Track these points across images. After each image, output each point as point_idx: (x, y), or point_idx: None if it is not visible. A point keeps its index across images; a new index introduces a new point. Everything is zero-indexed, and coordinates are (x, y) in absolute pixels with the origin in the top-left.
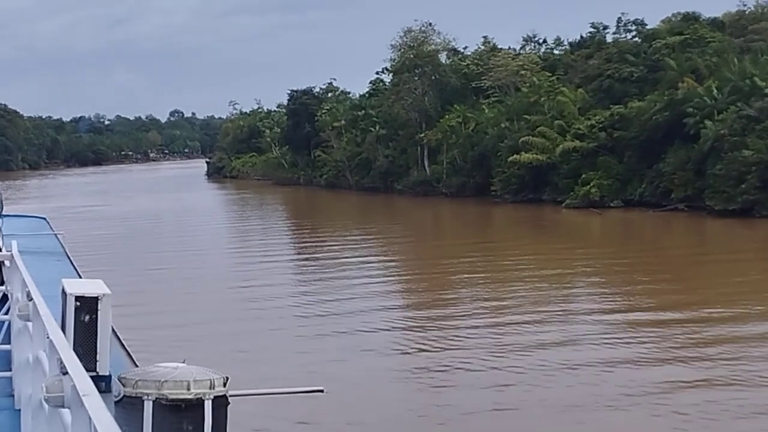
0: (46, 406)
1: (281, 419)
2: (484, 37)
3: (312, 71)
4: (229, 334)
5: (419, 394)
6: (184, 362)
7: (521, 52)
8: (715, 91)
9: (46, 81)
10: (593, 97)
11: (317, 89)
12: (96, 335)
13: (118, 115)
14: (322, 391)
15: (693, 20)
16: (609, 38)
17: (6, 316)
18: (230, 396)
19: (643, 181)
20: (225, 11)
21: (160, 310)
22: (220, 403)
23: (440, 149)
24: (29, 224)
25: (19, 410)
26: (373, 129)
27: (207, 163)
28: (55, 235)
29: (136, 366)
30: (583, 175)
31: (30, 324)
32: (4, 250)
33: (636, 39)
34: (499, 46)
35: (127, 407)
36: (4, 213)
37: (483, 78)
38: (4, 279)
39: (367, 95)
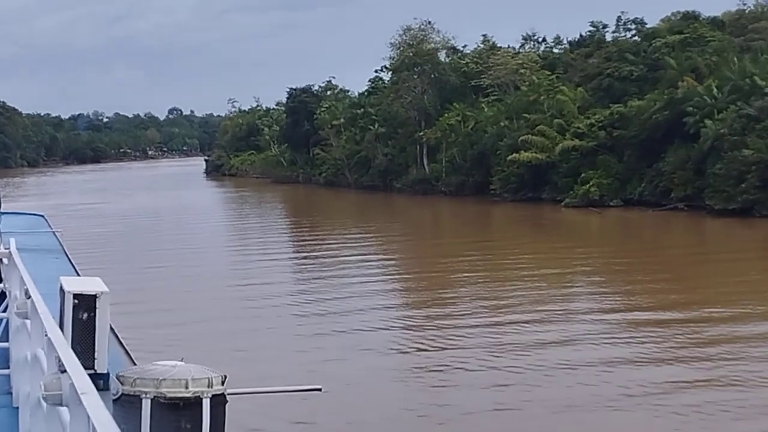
0: (44, 404)
1: (279, 419)
2: (484, 35)
3: (311, 69)
4: (227, 333)
5: (419, 393)
6: (182, 360)
7: (520, 50)
8: (715, 90)
9: (44, 78)
10: (593, 95)
11: (316, 87)
12: (94, 333)
13: (116, 113)
14: (320, 389)
15: (693, 19)
16: (608, 37)
17: (4, 314)
18: (228, 394)
19: (642, 180)
20: (224, 9)
21: (159, 308)
22: (219, 402)
23: (439, 148)
24: (27, 222)
25: (17, 408)
26: (372, 127)
27: (206, 160)
28: (54, 232)
29: (134, 364)
30: (583, 174)
31: (28, 322)
32: (2, 247)
33: (636, 38)
34: (499, 45)
35: (125, 405)
36: (2, 210)
37: (482, 76)
38: (2, 276)
39: (366, 93)
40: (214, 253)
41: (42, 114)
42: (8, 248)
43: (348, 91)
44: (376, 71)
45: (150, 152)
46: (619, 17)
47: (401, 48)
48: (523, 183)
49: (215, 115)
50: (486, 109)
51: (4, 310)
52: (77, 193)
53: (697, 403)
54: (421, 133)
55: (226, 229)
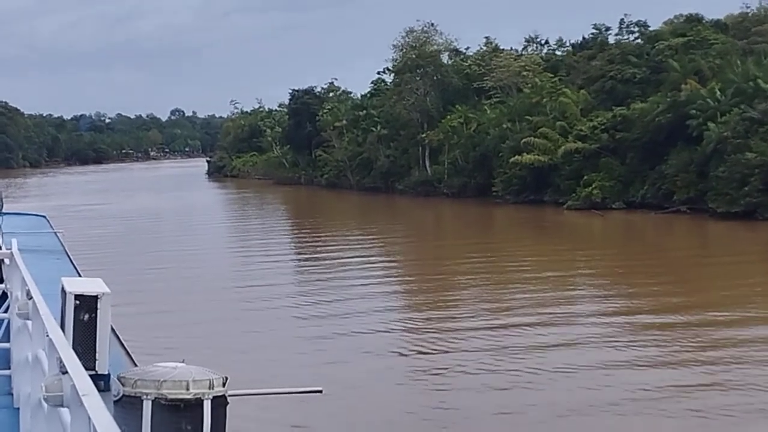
0: (45, 405)
1: (280, 421)
2: (486, 37)
3: (313, 71)
4: (228, 334)
5: (421, 396)
6: (183, 362)
7: (523, 52)
8: (718, 93)
9: (47, 79)
10: (595, 98)
11: (319, 89)
12: (95, 334)
13: (119, 114)
14: (320, 391)
15: (696, 22)
16: (611, 39)
17: (5, 315)
18: (229, 396)
19: (645, 182)
20: (226, 11)
21: (160, 309)
22: (219, 403)
23: (442, 149)
24: (29, 222)
25: (18, 409)
26: (374, 129)
27: (208, 162)
28: (55, 233)
29: (135, 365)
30: (585, 177)
31: (29, 322)
32: (3, 248)
33: (638, 40)
34: (501, 47)
35: (126, 407)
36: (4, 211)
37: (485, 78)
38: (4, 277)
39: (368, 95)
40: (216, 254)
41: (44, 114)
42: (10, 249)
43: (350, 92)
44: (378, 73)
45: (152, 153)
46: (622, 20)
47: (404, 50)
48: (526, 185)
49: (217, 116)
50: (488, 111)
51: (6, 311)
52: (79, 194)
53: (701, 408)
54: (424, 135)
55: (227, 230)
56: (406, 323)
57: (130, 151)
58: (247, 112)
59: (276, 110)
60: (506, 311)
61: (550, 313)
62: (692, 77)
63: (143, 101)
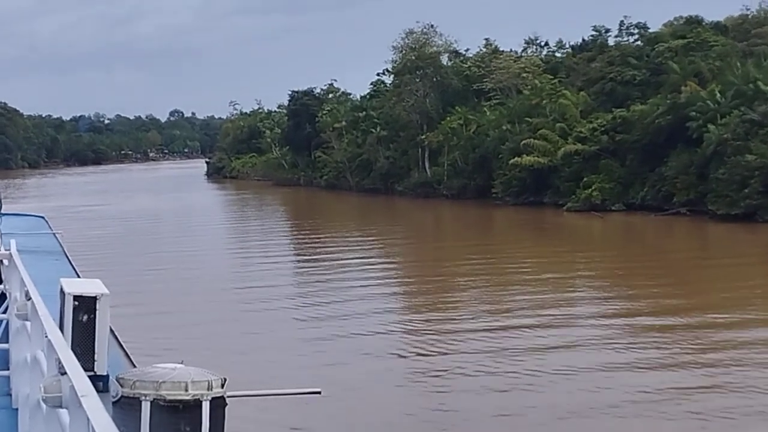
0: (43, 405)
1: (279, 422)
2: (486, 39)
3: (313, 72)
4: (227, 336)
5: (420, 398)
6: (182, 363)
7: (523, 54)
8: (718, 95)
9: (46, 79)
10: (595, 100)
11: (318, 90)
12: (94, 335)
13: (118, 115)
14: (319, 392)
15: (696, 24)
16: (611, 41)
17: (4, 315)
18: (228, 397)
19: (645, 184)
20: (226, 12)
21: (159, 310)
22: (218, 405)
23: (441, 151)
24: (28, 223)
25: (17, 409)
26: (374, 130)
27: (207, 163)
28: (54, 234)
29: (134, 366)
30: (585, 179)
31: (28, 323)
32: (2, 249)
33: (638, 42)
34: (501, 49)
35: (124, 408)
36: (2, 212)
37: (484, 80)
38: (3, 278)
39: (368, 96)
40: (215, 255)
41: (43, 115)
42: (8, 249)
43: (350, 93)
44: (378, 74)
45: (151, 154)
46: (622, 21)
47: (403, 51)
48: (525, 187)
49: (216, 117)
50: (488, 113)
51: (4, 312)
52: (78, 195)
53: (701, 410)
54: (423, 137)
55: (227, 231)
56: (406, 325)
57: (129, 152)
58: (246, 113)
59: (275, 111)
60: (506, 313)
61: (550, 315)
62: (692, 79)
63: (142, 102)
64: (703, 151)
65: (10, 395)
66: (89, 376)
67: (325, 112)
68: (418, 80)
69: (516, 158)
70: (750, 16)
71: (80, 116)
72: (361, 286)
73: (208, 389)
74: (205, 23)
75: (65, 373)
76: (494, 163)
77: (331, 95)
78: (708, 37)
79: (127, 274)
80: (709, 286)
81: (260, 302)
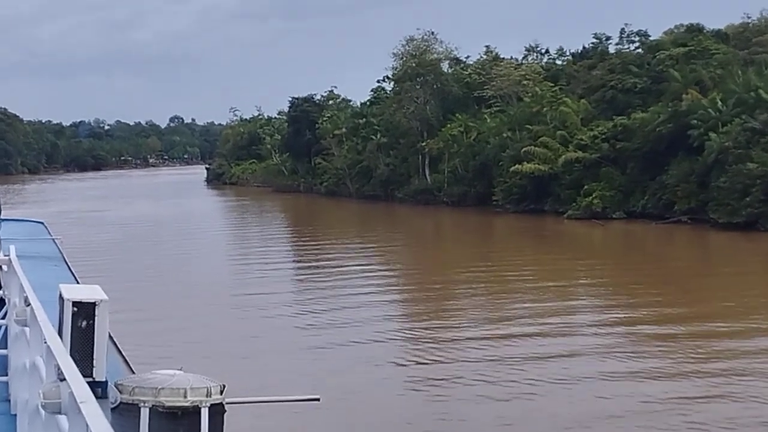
0: (42, 412)
1: (277, 430)
2: (487, 46)
3: (313, 79)
4: (226, 342)
5: (420, 406)
6: (181, 369)
7: (523, 61)
8: (719, 103)
9: (46, 85)
10: (596, 107)
11: (318, 97)
12: (93, 341)
13: (117, 121)
14: (318, 399)
15: (697, 32)
16: (612, 49)
17: (3, 321)
18: (227, 404)
19: (645, 192)
20: (226, 18)
21: (158, 316)
22: (217, 411)
23: (441, 158)
24: (27, 229)
25: (15, 415)
26: (374, 137)
27: (207, 169)
28: (53, 240)
29: (133, 372)
30: (586, 186)
31: (27, 329)
32: (1, 254)
33: (639, 50)
34: (502, 56)
35: (123, 414)
36: (2, 217)
37: (485, 87)
38: (2, 284)
39: (368, 103)
40: (215, 262)
41: (43, 121)
42: (8, 255)
43: (350, 100)
44: (378, 81)
45: (151, 160)
46: (623, 29)
47: (404, 58)
48: (526, 194)
49: (216, 123)
50: (488, 120)
51: (3, 317)
52: (78, 201)
53: (705, 420)
54: (423, 144)
55: (226, 238)
56: (405, 332)
57: (129, 158)
58: (246, 119)
59: (275, 118)
60: (506, 321)
61: (551, 323)
62: (693, 87)
63: (142, 108)
64: (704, 160)
65: (9, 401)
66: (88, 382)
67: (325, 118)
68: (418, 87)
69: (516, 166)
70: (751, 25)
71: (80, 122)
72: (360, 293)
73: (207, 396)
74: (205, 29)
75: (64, 379)
76: (495, 171)
77: (331, 102)
78: (709, 45)
79: (127, 281)
80: (710, 294)
81: (259, 309)
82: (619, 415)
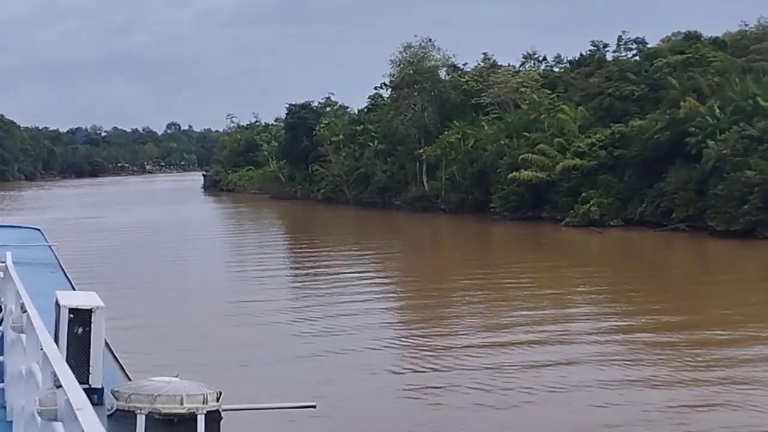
0: (38, 418)
1: None
2: (484, 53)
3: (310, 85)
4: (223, 349)
5: (416, 414)
6: (177, 376)
7: (521, 69)
8: (717, 110)
9: (43, 91)
10: (593, 115)
11: (315, 103)
12: (89, 348)
13: (114, 127)
14: (314, 406)
15: (694, 39)
16: (609, 56)
17: None
18: (223, 411)
19: (643, 200)
20: (225, 23)
21: (154, 323)
22: (213, 418)
23: (439, 165)
24: (23, 235)
25: (11, 422)
26: (371, 144)
27: (203, 176)
28: (50, 246)
29: (129, 379)
30: (583, 194)
31: (23, 336)
32: None
33: (636, 58)
34: (499, 63)
35: (119, 421)
36: None
37: (482, 94)
38: None
39: (365, 110)
40: (212, 269)
41: (40, 127)
42: (4, 262)
43: (347, 107)
44: (375, 88)
45: (148, 167)
46: (620, 37)
47: (401, 65)
48: (523, 201)
49: (213, 130)
50: (486, 127)
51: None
52: (74, 207)
53: (702, 429)
54: (421, 151)
55: (223, 245)
56: (402, 340)
57: (126, 165)
58: (243, 126)
59: (272, 124)
60: (504, 329)
61: (549, 331)
62: (691, 95)
63: (139, 115)
64: (702, 167)
65: (5, 408)
66: (84, 389)
67: (322, 125)
68: (416, 94)
69: (514, 173)
70: (748, 32)
71: (77, 128)
72: (357, 300)
73: (203, 403)
74: (203, 34)
75: (60, 385)
76: (492, 178)
77: (328, 108)
78: (707, 52)
79: (123, 287)
80: (708, 302)
81: (256, 316)
82: (617, 424)
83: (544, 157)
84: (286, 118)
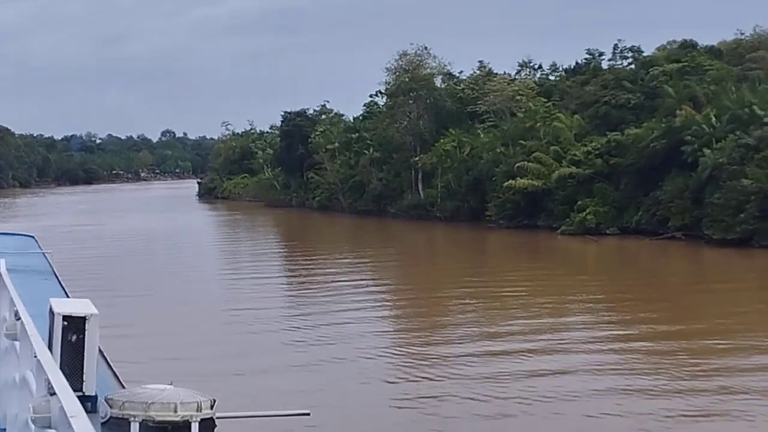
0: (32, 426)
1: None
2: (480, 61)
3: (306, 93)
4: (217, 357)
5: (411, 423)
6: (171, 384)
7: (517, 77)
8: (713, 119)
9: (38, 99)
10: (589, 123)
11: (311, 111)
12: (83, 355)
13: (109, 134)
14: (308, 414)
15: (690, 48)
16: (605, 65)
17: None
18: (217, 418)
19: (639, 208)
20: (220, 31)
21: (148, 331)
22: (207, 426)
23: (435, 173)
24: (17, 242)
25: (5, 429)
26: (367, 152)
27: (198, 183)
28: (44, 253)
29: (123, 387)
30: (579, 202)
31: (17, 343)
32: None
33: (632, 66)
34: (495, 71)
35: (113, 429)
36: None
37: (478, 102)
38: None
39: (361, 118)
40: (206, 277)
41: (35, 135)
42: None
43: (343, 115)
44: (371, 96)
45: (142, 174)
46: (616, 45)
47: (397, 73)
48: (519, 210)
49: (208, 137)
50: (482, 135)
51: None
52: (69, 215)
53: None
54: (417, 159)
55: (218, 253)
56: (397, 349)
57: (121, 172)
58: (238, 133)
59: (268, 132)
60: (499, 337)
61: (544, 340)
62: (687, 103)
63: (134, 122)
64: (698, 176)
65: None
66: (78, 397)
67: (317, 133)
68: (411, 102)
69: (510, 181)
70: (744, 41)
71: (72, 136)
72: (352, 308)
73: (197, 410)
74: (198, 43)
75: (54, 393)
76: (488, 186)
77: (323, 116)
78: (703, 61)
79: (118, 295)
80: (705, 311)
81: (251, 324)
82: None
83: (539, 165)
84: (281, 125)
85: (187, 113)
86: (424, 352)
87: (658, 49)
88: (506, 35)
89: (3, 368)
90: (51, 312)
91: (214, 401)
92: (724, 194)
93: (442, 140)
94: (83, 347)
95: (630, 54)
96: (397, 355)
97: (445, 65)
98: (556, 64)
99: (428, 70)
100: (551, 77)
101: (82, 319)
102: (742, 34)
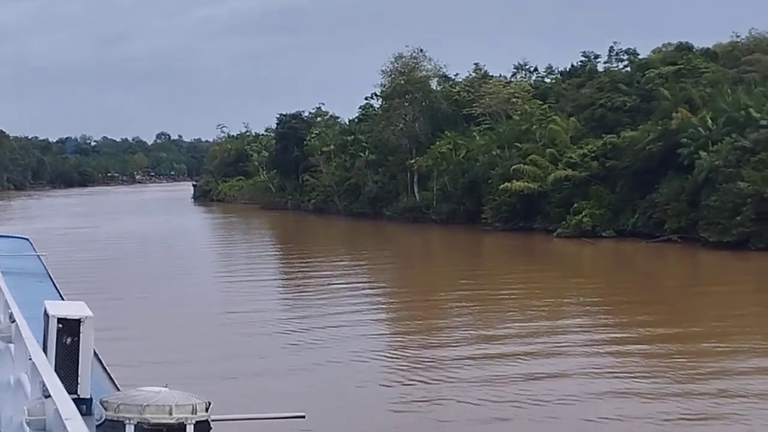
0: (27, 429)
1: None
2: (476, 64)
3: (305, 94)
4: (212, 360)
5: (406, 426)
6: (166, 387)
7: (512, 79)
8: (709, 121)
9: (38, 99)
10: (585, 126)
11: (306, 113)
12: (78, 358)
13: (104, 137)
14: (303, 417)
15: (686, 50)
16: (600, 67)
17: None
18: (212, 421)
19: (635, 211)
20: (219, 32)
21: (143, 333)
22: (203, 428)
23: (430, 175)
24: (12, 245)
25: None
26: (362, 154)
27: (194, 186)
28: (38, 256)
29: (118, 389)
30: (575, 205)
31: (12, 346)
32: None
33: (628, 68)
34: (491, 74)
35: (108, 431)
36: None
37: (474, 105)
38: None
39: (356, 120)
40: (202, 279)
41: (29, 137)
42: None
43: (338, 117)
44: (366, 98)
45: (137, 177)
46: (611, 47)
47: (393, 75)
48: (515, 212)
49: (203, 140)
50: (478, 138)
51: None
52: (63, 217)
53: None
54: (412, 161)
55: (214, 255)
56: (393, 352)
57: (116, 175)
58: (233, 136)
59: (263, 134)
60: (495, 340)
61: (540, 343)
62: (683, 105)
63: (129, 124)
64: (694, 178)
65: None
66: (73, 399)
67: (313, 135)
68: (407, 104)
69: (506, 183)
70: (740, 43)
71: (67, 138)
72: (348, 311)
73: (192, 413)
74: (197, 43)
75: (49, 396)
76: (484, 188)
77: (319, 119)
78: (699, 63)
79: (113, 297)
80: (701, 314)
81: (246, 327)
82: None
83: (535, 167)
84: (276, 128)
85: (187, 114)
86: (420, 355)
87: (653, 51)
88: (502, 38)
89: None
90: (46, 314)
91: (210, 404)
92: (720, 197)
93: (437, 143)
94: (78, 350)
95: (626, 56)
96: (393, 358)
97: (440, 68)
98: (551, 67)
99: (424, 73)
100: (547, 80)
101: (77, 322)
102: (737, 36)
